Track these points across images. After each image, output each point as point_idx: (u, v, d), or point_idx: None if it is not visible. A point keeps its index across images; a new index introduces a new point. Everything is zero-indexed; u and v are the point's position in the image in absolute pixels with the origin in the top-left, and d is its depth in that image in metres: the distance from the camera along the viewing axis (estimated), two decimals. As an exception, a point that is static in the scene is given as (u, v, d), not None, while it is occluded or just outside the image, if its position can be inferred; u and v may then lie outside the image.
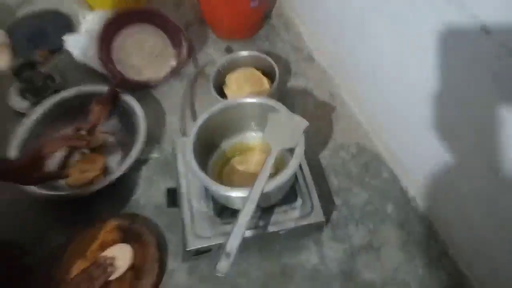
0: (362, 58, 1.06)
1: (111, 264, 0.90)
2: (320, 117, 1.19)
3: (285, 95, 1.22)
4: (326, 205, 1.00)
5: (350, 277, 0.92)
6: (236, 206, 0.88)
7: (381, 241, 0.96)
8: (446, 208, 0.92)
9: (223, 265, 0.71)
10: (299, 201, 0.93)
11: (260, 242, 0.95)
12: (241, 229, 0.74)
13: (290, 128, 0.86)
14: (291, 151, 0.85)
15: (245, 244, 0.93)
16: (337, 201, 1.03)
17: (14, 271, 0.94)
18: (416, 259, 0.94)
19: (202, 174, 0.82)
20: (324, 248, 0.97)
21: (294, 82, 1.27)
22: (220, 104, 0.94)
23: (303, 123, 0.86)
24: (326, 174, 1.08)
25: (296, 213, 0.91)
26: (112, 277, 0.90)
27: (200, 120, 0.92)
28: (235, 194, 0.79)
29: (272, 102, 0.91)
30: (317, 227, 0.95)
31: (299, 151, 0.83)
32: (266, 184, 0.78)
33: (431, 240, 0.96)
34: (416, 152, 0.96)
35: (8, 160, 0.99)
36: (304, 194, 0.93)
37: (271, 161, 0.81)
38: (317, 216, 0.91)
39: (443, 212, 0.94)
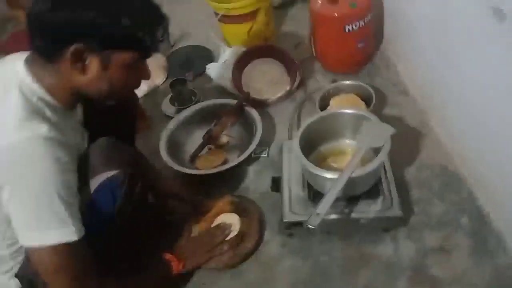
0: (451, 91, 1.23)
1: (228, 229, 1.16)
2: (409, 140, 1.36)
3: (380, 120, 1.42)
4: (406, 210, 1.15)
5: (419, 271, 1.05)
6: (327, 190, 1.09)
7: (453, 246, 1.07)
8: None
9: (314, 219, 0.93)
10: (380, 198, 1.10)
11: (344, 226, 1.13)
12: (330, 197, 0.95)
13: (378, 132, 1.07)
14: (376, 154, 1.04)
15: (331, 227, 1.14)
16: (416, 209, 1.18)
17: (159, 226, 1.24)
18: (485, 265, 1.02)
19: (303, 158, 1.06)
20: (399, 244, 1.11)
21: (389, 110, 1.47)
22: (321, 113, 1.19)
23: (390, 129, 1.06)
24: (409, 186, 1.23)
25: (377, 207, 1.09)
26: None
27: (305, 124, 1.18)
28: (329, 175, 1.02)
29: (364, 112, 1.13)
30: (395, 222, 1.11)
31: (385, 150, 1.03)
32: (354, 171, 0.99)
33: (501, 251, 1.04)
34: (495, 175, 1.07)
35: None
36: (386, 193, 1.11)
37: (360, 154, 1.02)
38: (395, 211, 1.07)
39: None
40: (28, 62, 0.82)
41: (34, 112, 0.77)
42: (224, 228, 1.16)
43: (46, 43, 0.77)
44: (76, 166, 0.83)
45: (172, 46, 1.97)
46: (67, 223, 0.77)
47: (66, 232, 0.77)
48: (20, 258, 0.91)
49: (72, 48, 0.75)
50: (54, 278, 0.80)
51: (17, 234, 0.80)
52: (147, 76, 0.91)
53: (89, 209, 0.87)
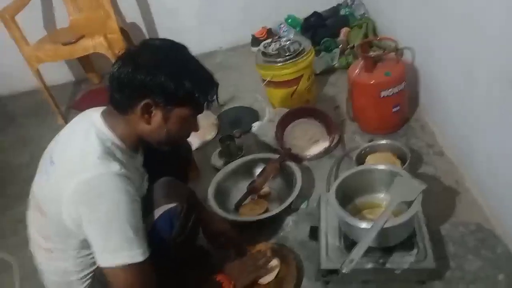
0: (483, 153, 1.30)
1: (269, 253, 1.26)
2: (444, 198, 1.41)
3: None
4: (441, 264, 1.18)
5: (456, 326, 1.06)
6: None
7: (489, 302, 1.09)
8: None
9: (347, 265, 1.00)
10: (415, 250, 1.16)
11: (379, 276, 1.18)
12: (364, 245, 1.03)
13: (410, 187, 1.15)
14: (408, 206, 1.12)
15: (366, 276, 1.19)
16: (452, 264, 1.21)
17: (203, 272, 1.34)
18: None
19: (339, 208, 1.15)
20: (435, 298, 1.14)
21: (424, 170, 1.54)
22: (357, 167, 1.29)
23: (422, 185, 1.14)
24: (445, 242, 1.27)
25: (411, 258, 1.14)
26: (262, 280, 1.24)
27: (341, 177, 1.28)
28: (363, 225, 1.10)
29: (397, 169, 1.22)
30: (429, 275, 1.14)
31: (417, 203, 1.10)
32: (386, 221, 1.06)
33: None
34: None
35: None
36: (420, 245, 1.16)
37: (392, 207, 1.10)
38: (429, 263, 1.12)
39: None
40: (103, 114, 1.01)
41: (108, 153, 0.95)
42: (264, 252, 1.26)
43: (122, 98, 0.97)
44: (139, 197, 0.98)
45: (222, 105, 2.17)
46: (135, 246, 0.91)
47: (134, 253, 0.91)
48: (87, 282, 1.05)
49: (143, 102, 0.95)
50: None
51: (95, 257, 0.94)
52: (196, 129, 1.09)
53: (150, 235, 1.00)
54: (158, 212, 1.06)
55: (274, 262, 1.28)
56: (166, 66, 0.96)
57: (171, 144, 1.06)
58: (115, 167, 0.93)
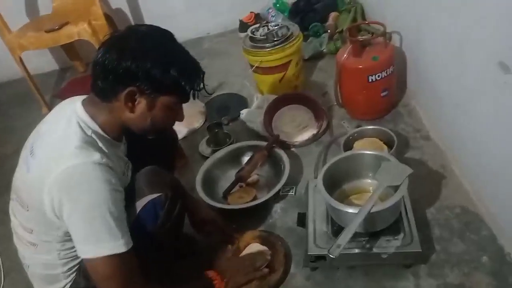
0: (470, 137, 1.31)
1: (268, 255, 1.25)
2: (430, 182, 1.42)
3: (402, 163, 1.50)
4: (426, 247, 1.20)
5: (440, 307, 1.08)
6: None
7: (473, 284, 1.11)
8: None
9: (334, 250, 1.00)
10: (401, 235, 1.17)
11: (366, 261, 1.19)
12: (350, 230, 1.03)
13: (397, 172, 1.15)
14: (395, 191, 1.12)
15: (353, 261, 1.20)
16: (437, 247, 1.22)
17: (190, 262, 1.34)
18: (506, 303, 1.05)
19: (326, 194, 1.15)
20: (420, 281, 1.15)
21: (411, 154, 1.55)
22: (344, 153, 1.29)
23: (408, 169, 1.15)
24: (431, 226, 1.28)
25: (397, 243, 1.15)
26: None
27: (328, 164, 1.28)
28: (350, 210, 1.10)
29: (384, 154, 1.22)
30: (415, 258, 1.15)
31: (403, 188, 1.11)
32: (373, 206, 1.07)
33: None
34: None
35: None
36: (406, 230, 1.17)
37: (378, 191, 1.11)
38: (415, 246, 1.13)
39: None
40: (84, 102, 0.99)
41: (89, 142, 0.94)
42: (265, 254, 1.26)
43: (106, 85, 0.94)
44: (121, 187, 0.97)
45: (210, 94, 2.15)
46: (117, 236, 0.90)
47: (116, 244, 0.90)
48: (72, 276, 1.04)
49: (127, 90, 0.93)
50: (105, 285, 0.92)
51: (76, 248, 0.93)
52: (181, 118, 1.08)
53: (135, 225, 0.99)
54: (142, 203, 1.05)
55: (263, 249, 1.28)
56: (152, 53, 0.93)
57: (154, 132, 1.05)
58: (96, 156, 0.91)
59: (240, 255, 1.27)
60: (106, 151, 0.96)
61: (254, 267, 1.21)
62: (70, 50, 2.63)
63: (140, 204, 1.05)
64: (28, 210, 0.97)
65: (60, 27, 2.18)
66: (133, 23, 2.69)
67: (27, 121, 2.26)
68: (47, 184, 0.89)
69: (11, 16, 2.26)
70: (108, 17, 2.35)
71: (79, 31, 2.15)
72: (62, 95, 2.47)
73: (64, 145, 0.92)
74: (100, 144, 0.96)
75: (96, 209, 0.89)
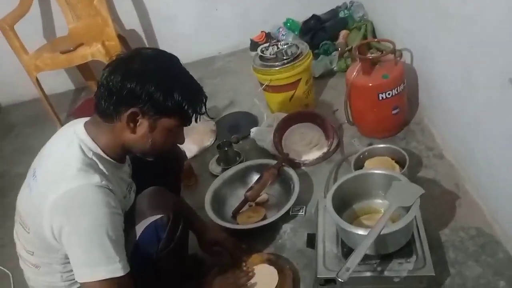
0: (483, 156, 1.27)
1: (252, 272, 1.24)
2: (444, 202, 1.38)
3: (415, 182, 1.47)
4: (440, 271, 1.16)
5: (456, 334, 1.04)
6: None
7: (491, 310, 1.06)
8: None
9: (343, 274, 0.97)
10: (413, 257, 1.13)
11: (377, 285, 1.15)
12: (360, 253, 1.00)
13: (408, 192, 1.12)
14: (407, 212, 1.09)
15: (364, 285, 1.17)
16: (452, 270, 1.18)
17: (195, 273, 1.33)
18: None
19: (335, 214, 1.13)
20: (434, 306, 1.11)
21: (424, 173, 1.51)
22: (354, 172, 1.27)
23: (419, 189, 1.12)
24: (444, 248, 1.24)
25: (410, 266, 1.12)
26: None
27: (338, 183, 1.26)
28: (360, 232, 1.08)
29: (395, 173, 1.19)
30: (428, 282, 1.11)
31: (414, 208, 1.08)
32: (383, 228, 1.04)
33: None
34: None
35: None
36: (419, 252, 1.14)
37: (389, 212, 1.08)
38: (429, 270, 1.09)
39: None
40: (86, 124, 1.00)
41: (89, 164, 0.94)
42: (247, 271, 1.24)
43: (109, 106, 0.95)
44: (121, 210, 0.96)
45: (212, 118, 2.11)
46: (115, 260, 0.89)
47: (113, 268, 0.89)
48: None
49: (129, 111, 0.94)
50: None
51: (74, 272, 0.92)
52: (182, 140, 1.08)
53: (136, 249, 0.98)
54: (143, 225, 1.04)
55: (273, 271, 1.26)
56: (156, 76, 0.95)
57: (155, 154, 1.05)
58: (96, 178, 0.92)
59: (250, 278, 1.25)
60: (107, 173, 0.96)
61: (237, 284, 1.21)
62: (85, 70, 2.68)
63: (141, 226, 1.04)
64: (29, 232, 0.98)
65: (75, 48, 2.23)
66: (146, 44, 2.74)
67: (43, 141, 2.23)
68: (47, 206, 0.89)
69: (29, 38, 2.32)
70: (121, 38, 2.40)
71: (92, 52, 2.20)
72: (76, 114, 2.51)
73: (64, 167, 0.92)
74: (101, 166, 0.96)
75: (94, 232, 0.88)
